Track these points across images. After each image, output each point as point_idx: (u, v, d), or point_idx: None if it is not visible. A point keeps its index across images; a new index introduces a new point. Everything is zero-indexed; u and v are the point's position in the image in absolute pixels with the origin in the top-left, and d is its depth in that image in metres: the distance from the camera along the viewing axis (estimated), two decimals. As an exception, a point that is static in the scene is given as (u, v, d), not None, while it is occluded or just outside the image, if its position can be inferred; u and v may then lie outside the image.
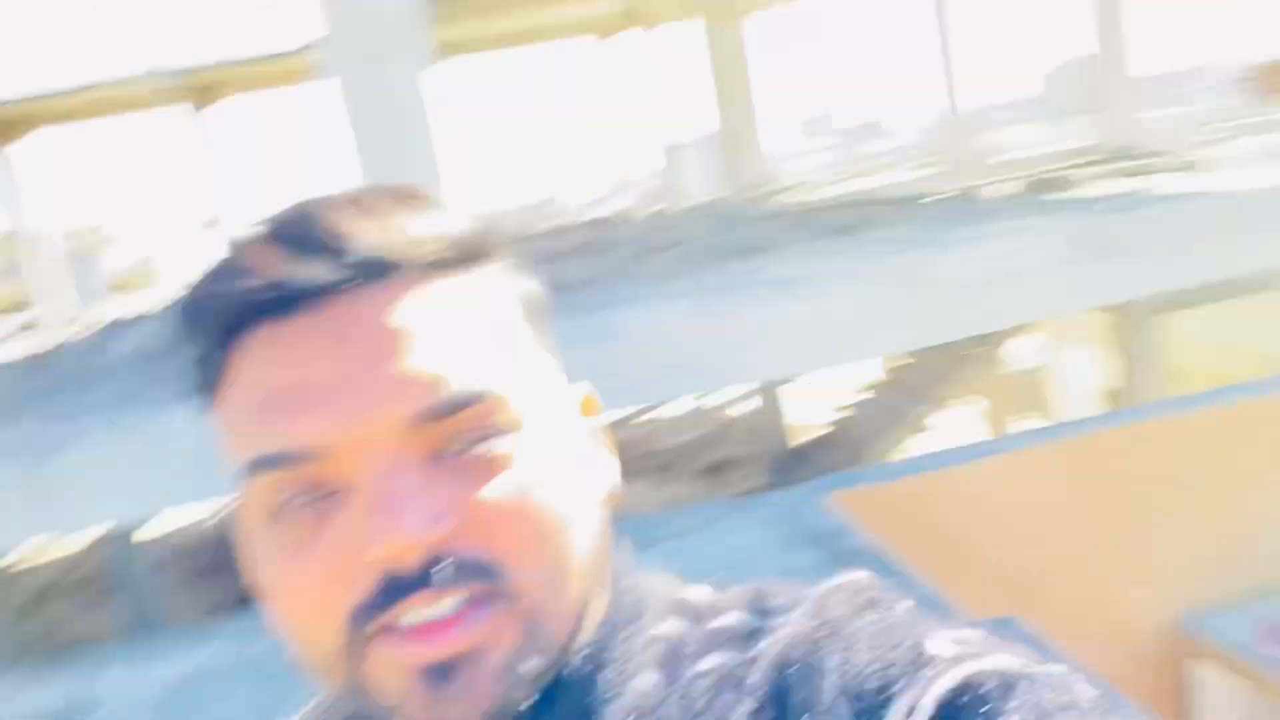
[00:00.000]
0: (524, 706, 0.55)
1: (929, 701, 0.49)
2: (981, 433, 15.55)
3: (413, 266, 0.54)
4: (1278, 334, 13.94)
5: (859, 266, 5.93)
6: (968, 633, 0.53)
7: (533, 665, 0.53)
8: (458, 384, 0.53)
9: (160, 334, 11.15)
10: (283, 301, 0.52)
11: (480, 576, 0.52)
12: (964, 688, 0.49)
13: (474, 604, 0.52)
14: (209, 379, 0.56)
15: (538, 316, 0.60)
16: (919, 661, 0.51)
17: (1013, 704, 0.48)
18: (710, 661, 0.57)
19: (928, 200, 11.00)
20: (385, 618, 0.51)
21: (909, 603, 0.58)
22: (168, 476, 5.45)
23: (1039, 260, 6.25)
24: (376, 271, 0.53)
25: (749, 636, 0.57)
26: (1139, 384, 9.70)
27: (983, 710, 0.48)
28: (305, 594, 0.53)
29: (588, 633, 0.58)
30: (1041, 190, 9.46)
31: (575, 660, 0.57)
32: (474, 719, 0.52)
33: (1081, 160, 12.92)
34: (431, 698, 0.52)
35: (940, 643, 0.52)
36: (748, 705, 0.54)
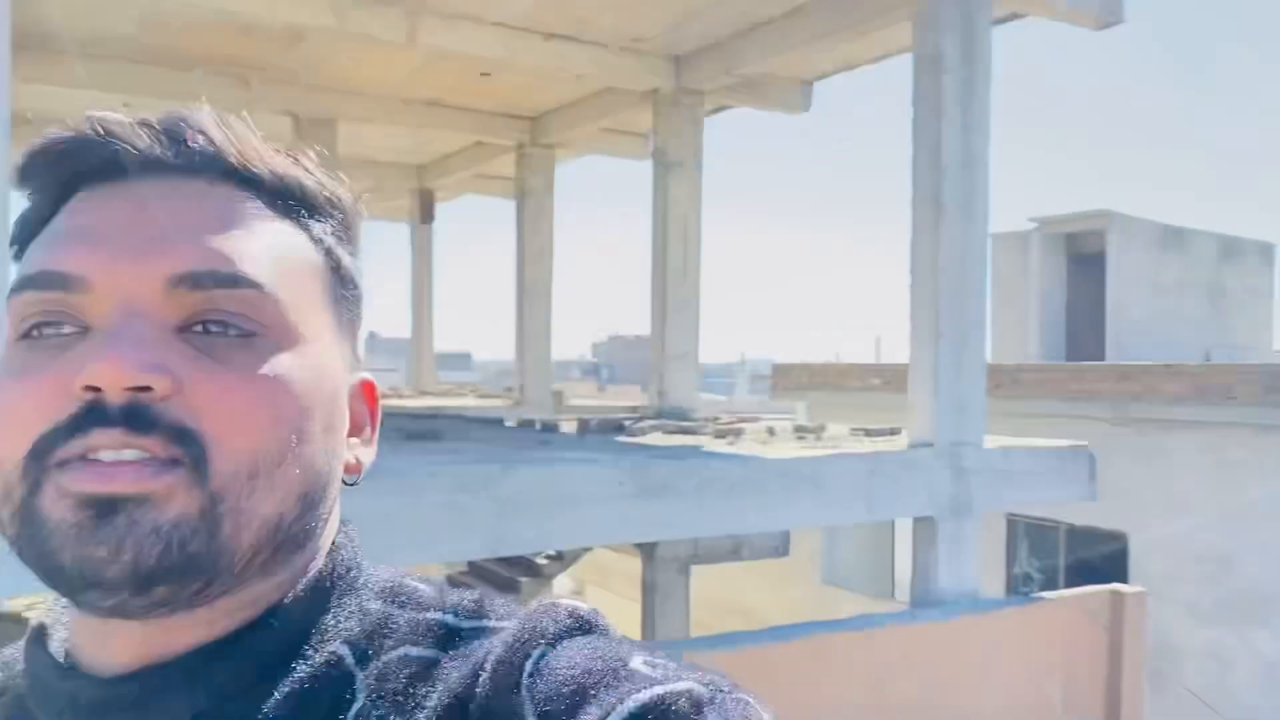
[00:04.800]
0: (200, 640, 0.56)
1: (623, 710, 0.52)
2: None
3: (244, 180, 0.60)
4: (769, 596, 15.67)
5: (440, 469, 5.97)
6: (667, 660, 0.58)
7: (196, 544, 0.53)
8: (227, 266, 0.56)
9: None
10: (115, 166, 0.57)
11: (178, 440, 0.53)
12: (656, 703, 0.52)
13: (162, 462, 0.52)
14: (31, 231, 0.59)
15: (345, 285, 0.65)
16: (620, 674, 0.54)
17: None
18: (410, 650, 0.59)
19: (509, 424, 11.41)
20: (72, 445, 0.51)
21: (621, 635, 0.61)
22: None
23: (599, 489, 6.66)
24: (211, 170, 0.59)
25: (451, 636, 0.60)
26: (661, 627, 10.38)
27: None
28: (13, 410, 0.53)
29: (280, 571, 0.59)
30: (604, 431, 10.18)
31: (275, 614, 0.58)
32: (117, 567, 0.51)
33: (635, 415, 14.16)
34: (88, 530, 0.51)
35: (642, 663, 0.56)
36: (442, 699, 0.56)
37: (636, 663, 0.56)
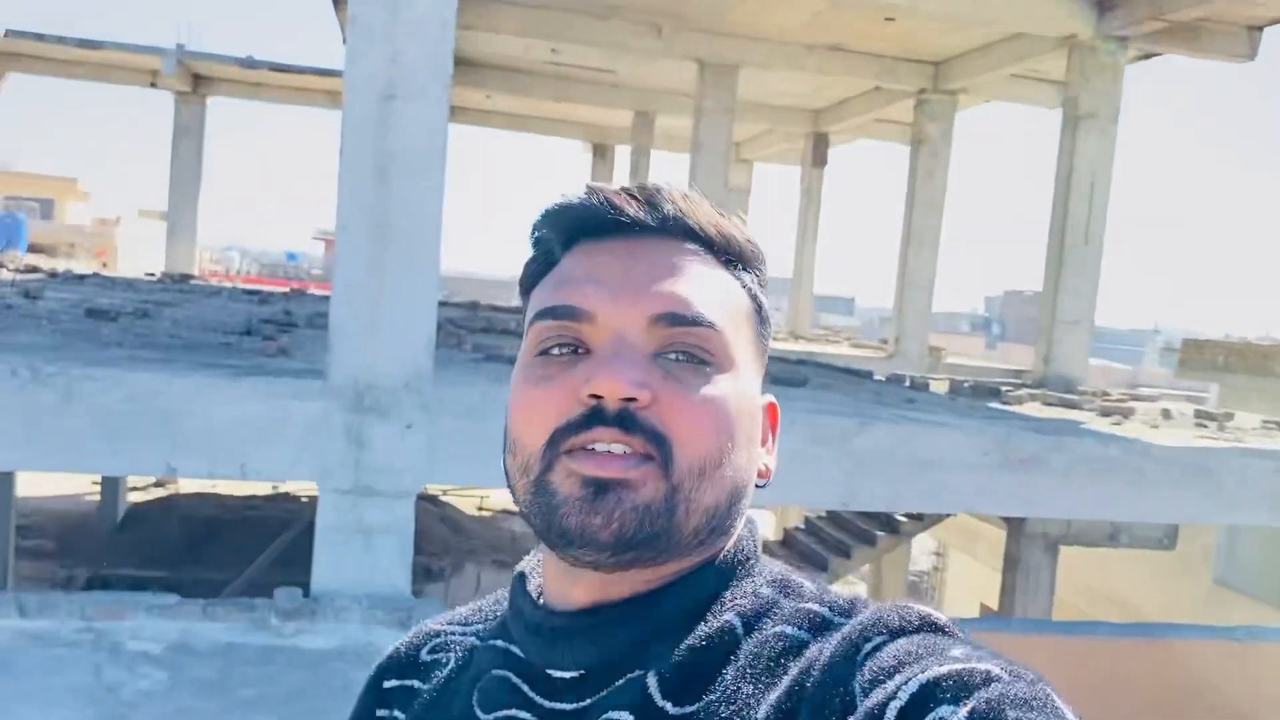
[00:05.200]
0: (636, 591, 0.74)
1: (922, 678, 0.60)
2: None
3: (700, 238, 0.77)
4: (1152, 589, 14.40)
5: (799, 416, 6.10)
6: (998, 656, 0.64)
7: (660, 524, 0.71)
8: (691, 310, 0.73)
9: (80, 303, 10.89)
10: (609, 225, 0.76)
11: (653, 440, 0.71)
12: (951, 675, 0.60)
13: (640, 456, 0.71)
14: (539, 274, 0.80)
15: (764, 324, 0.82)
16: (936, 656, 0.63)
17: (981, 692, 0.59)
18: (788, 629, 0.72)
19: (879, 377, 11.34)
20: (578, 438, 0.71)
21: (979, 643, 0.67)
22: (72, 436, 5.32)
23: (960, 456, 6.49)
24: (677, 230, 0.76)
25: (823, 626, 0.72)
26: (1022, 605, 9.94)
27: (956, 692, 0.59)
28: (536, 408, 0.73)
29: (708, 551, 0.75)
30: (977, 396, 9.82)
31: (687, 582, 0.75)
32: (607, 532, 0.70)
33: (1016, 380, 13.47)
34: (585, 503, 0.70)
35: (961, 652, 0.63)
36: (797, 669, 0.69)
37: (957, 652, 0.63)
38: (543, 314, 0.75)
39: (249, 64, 19.57)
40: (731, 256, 0.78)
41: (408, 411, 5.56)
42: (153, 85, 19.90)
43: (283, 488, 15.89)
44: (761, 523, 18.12)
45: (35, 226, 34.48)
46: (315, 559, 5.57)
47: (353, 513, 5.52)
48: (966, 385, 10.35)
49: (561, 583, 0.76)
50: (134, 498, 15.72)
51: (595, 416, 0.70)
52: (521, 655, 0.78)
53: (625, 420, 0.70)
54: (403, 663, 0.88)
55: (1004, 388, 10.40)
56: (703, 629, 0.73)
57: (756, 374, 0.79)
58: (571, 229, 0.78)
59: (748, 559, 0.78)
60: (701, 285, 0.75)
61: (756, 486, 0.80)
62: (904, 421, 6.70)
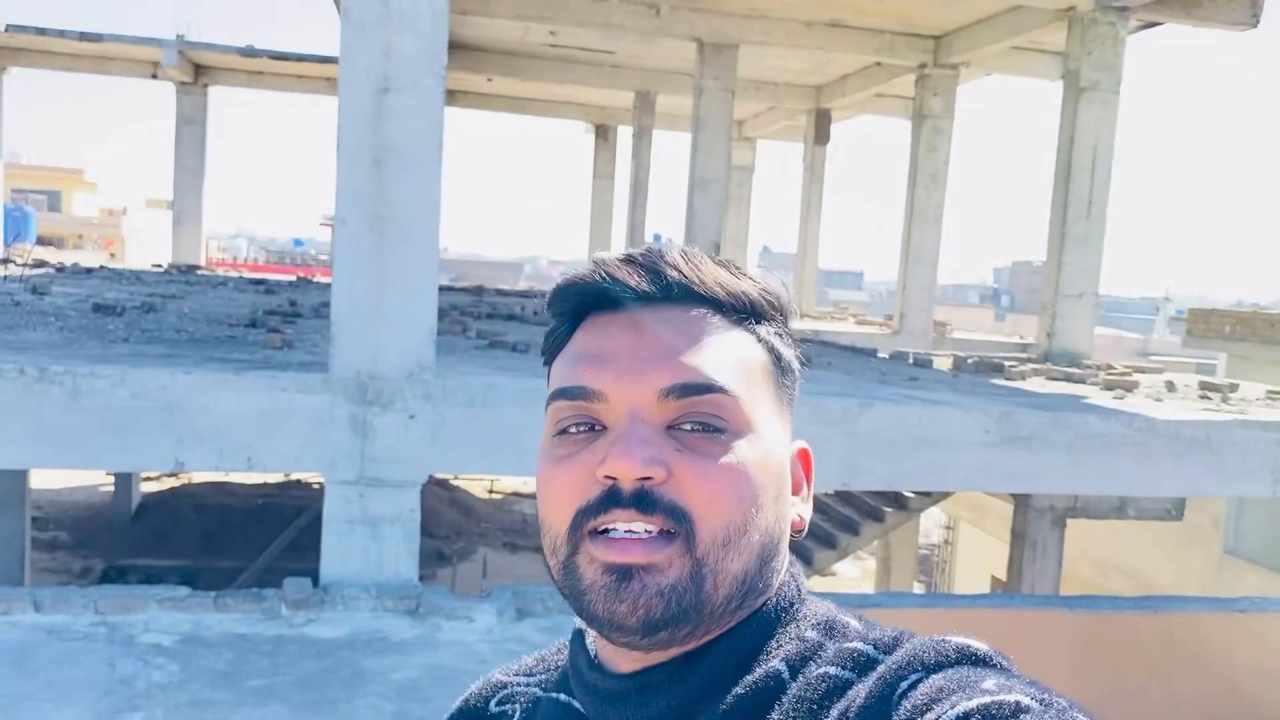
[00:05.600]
0: (681, 650, 0.75)
1: (951, 715, 0.61)
2: (871, 587, 15.82)
3: (707, 301, 0.77)
4: (1162, 560, 14.43)
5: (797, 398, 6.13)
6: (1034, 685, 0.64)
7: (687, 601, 0.71)
8: (700, 378, 0.74)
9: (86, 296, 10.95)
10: (615, 299, 0.77)
11: (673, 517, 0.71)
12: (982, 708, 0.61)
13: (661, 536, 0.71)
14: (556, 347, 0.81)
15: (785, 374, 0.81)
16: (967, 689, 0.63)
17: None
18: (833, 670, 0.73)
19: (882, 354, 11.35)
20: (599, 520, 0.72)
21: (1020, 672, 0.68)
22: (80, 434, 5.38)
23: (962, 434, 6.52)
24: (684, 296, 0.77)
25: (868, 665, 0.72)
26: (1030, 578, 9.99)
27: None
28: (558, 490, 0.75)
29: (745, 612, 0.76)
30: (981, 372, 9.84)
31: (731, 636, 0.76)
32: (634, 618, 0.71)
33: (1021, 355, 13.46)
34: (610, 589, 0.71)
35: (994, 684, 0.64)
36: (838, 710, 0.70)
37: (989, 684, 0.63)
38: (557, 394, 0.77)
39: (249, 53, 19.57)
40: (742, 312, 0.78)
41: (411, 402, 5.60)
42: (154, 76, 19.92)
43: (294, 475, 16.00)
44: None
45: (43, 219, 34.61)
46: (323, 549, 5.64)
47: (359, 503, 5.58)
48: (970, 362, 10.36)
49: (606, 649, 0.78)
50: (147, 488, 15.86)
51: (612, 498, 0.71)
52: (582, 710, 0.80)
53: (642, 500, 0.71)
54: (472, 715, 0.91)
55: (1008, 363, 10.40)
56: (749, 679, 0.74)
57: (781, 426, 0.79)
58: (580, 305, 0.79)
59: (791, 605, 0.79)
60: (710, 350, 0.75)
61: (793, 537, 0.80)
62: (906, 401, 6.73)
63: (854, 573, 18.73)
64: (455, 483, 17.17)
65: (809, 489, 0.83)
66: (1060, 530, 10.22)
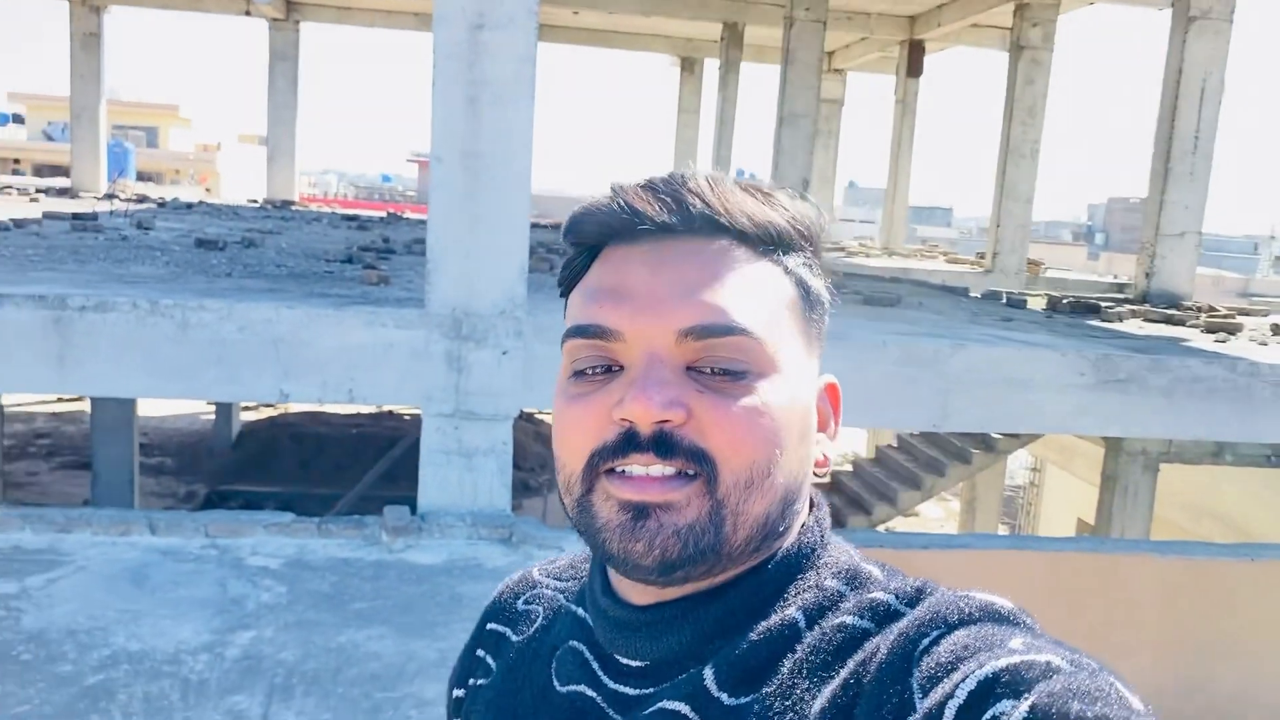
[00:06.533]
0: (697, 588, 0.73)
1: (981, 674, 0.58)
2: (955, 528, 15.74)
3: (732, 232, 0.73)
4: (1258, 507, 14.07)
5: (889, 339, 6.09)
6: (1059, 644, 0.61)
7: (705, 542, 0.69)
8: (722, 319, 0.70)
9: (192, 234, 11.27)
10: (635, 229, 0.73)
11: (693, 459, 0.69)
12: (1011, 669, 0.58)
13: (681, 476, 0.69)
14: (573, 278, 0.78)
15: (813, 308, 0.77)
16: (994, 649, 0.60)
17: (1042, 685, 0.56)
18: (850, 620, 0.71)
19: (975, 294, 11.15)
20: (615, 462, 0.70)
21: (1043, 631, 0.65)
22: (189, 365, 5.61)
23: (1055, 377, 6.41)
24: (707, 227, 0.72)
25: (888, 616, 0.70)
26: (1120, 522, 9.83)
27: (1016, 686, 0.56)
28: (572, 430, 0.72)
29: (764, 554, 0.74)
30: (1076, 313, 9.62)
31: (748, 577, 0.74)
32: (650, 558, 0.69)
33: (1118, 296, 13.10)
34: (626, 528, 0.69)
35: (1021, 643, 0.61)
36: (856, 661, 0.67)
37: (1016, 643, 0.60)
38: (573, 332, 0.73)
39: (339, -13, 19.70)
40: (769, 243, 0.74)
41: (503, 338, 5.71)
42: (247, 13, 20.17)
43: (387, 407, 16.42)
44: (854, 441, 18.09)
45: (141, 154, 35.56)
46: (421, 479, 5.81)
47: (454, 435, 5.73)
48: (1065, 302, 10.13)
49: (622, 582, 0.76)
50: (246, 417, 16.44)
51: (630, 441, 0.69)
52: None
53: (662, 442, 0.68)
54: (503, 608, 0.91)
55: (1104, 304, 10.14)
56: (764, 624, 0.72)
57: (808, 363, 0.76)
58: (598, 236, 0.75)
59: (813, 550, 0.76)
60: (732, 287, 0.71)
61: (816, 475, 0.77)
62: (1000, 343, 6.63)
63: (938, 513, 18.60)
64: (540, 417, 17.45)
65: (836, 425, 0.80)
66: (1153, 475, 10.02)
